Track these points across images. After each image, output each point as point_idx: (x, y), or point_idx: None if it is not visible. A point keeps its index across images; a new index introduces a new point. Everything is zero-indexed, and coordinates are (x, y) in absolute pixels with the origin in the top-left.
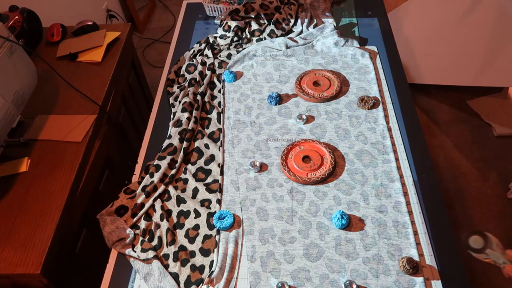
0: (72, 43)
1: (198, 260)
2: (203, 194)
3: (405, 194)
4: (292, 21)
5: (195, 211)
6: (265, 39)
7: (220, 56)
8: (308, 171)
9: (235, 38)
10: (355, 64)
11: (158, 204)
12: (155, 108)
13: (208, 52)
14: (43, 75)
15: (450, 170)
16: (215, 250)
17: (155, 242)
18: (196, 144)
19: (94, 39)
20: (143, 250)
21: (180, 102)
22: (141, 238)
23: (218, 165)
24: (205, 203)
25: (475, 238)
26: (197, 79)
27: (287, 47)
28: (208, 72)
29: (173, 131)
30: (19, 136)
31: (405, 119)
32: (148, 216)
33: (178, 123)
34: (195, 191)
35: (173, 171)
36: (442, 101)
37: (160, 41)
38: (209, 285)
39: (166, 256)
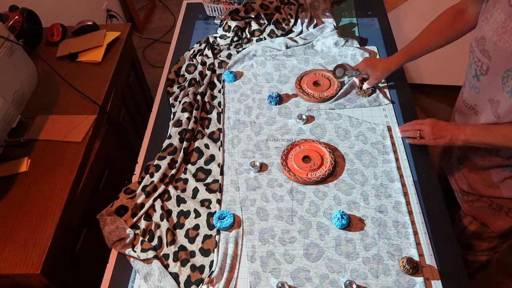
0: (72, 43)
1: (198, 260)
2: (203, 194)
3: (405, 194)
4: (292, 21)
5: (195, 211)
6: (265, 39)
7: (220, 56)
8: (308, 171)
9: (235, 38)
10: (355, 64)
11: (158, 204)
12: (155, 108)
13: (208, 52)
14: (43, 75)
15: None
16: (215, 250)
17: (155, 242)
18: (196, 144)
19: (94, 39)
20: (143, 250)
21: (180, 102)
22: (141, 238)
23: (218, 165)
24: (205, 203)
25: (338, 69)
26: (197, 79)
27: (287, 47)
28: (208, 72)
29: (173, 131)
30: (19, 136)
31: (405, 119)
32: (148, 216)
33: (178, 123)
34: (195, 191)
35: (173, 171)
36: (442, 101)
37: (160, 41)
38: (209, 285)
39: (166, 256)
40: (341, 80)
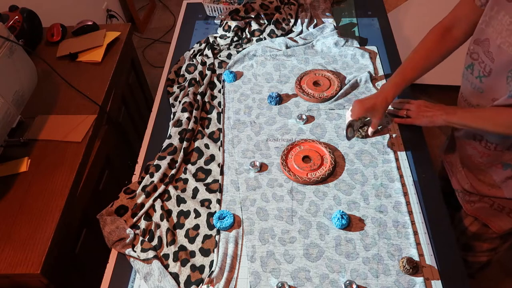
0: (72, 43)
1: (198, 260)
2: (203, 194)
3: (405, 194)
4: (292, 21)
5: (195, 211)
6: (265, 39)
7: (220, 56)
8: (308, 171)
9: (235, 38)
10: (355, 64)
11: (158, 204)
12: (155, 108)
13: (208, 52)
14: (43, 75)
15: None
16: (215, 250)
17: (155, 242)
18: (196, 144)
19: (94, 39)
20: (143, 250)
21: (180, 102)
22: (141, 238)
23: (218, 165)
24: (205, 203)
25: (349, 129)
26: (197, 79)
27: (287, 47)
28: (208, 72)
29: (173, 131)
30: (19, 136)
31: None
32: (148, 216)
33: (178, 123)
34: (195, 191)
35: (173, 171)
36: (442, 101)
37: (160, 41)
38: (209, 285)
39: (166, 256)
40: (353, 136)
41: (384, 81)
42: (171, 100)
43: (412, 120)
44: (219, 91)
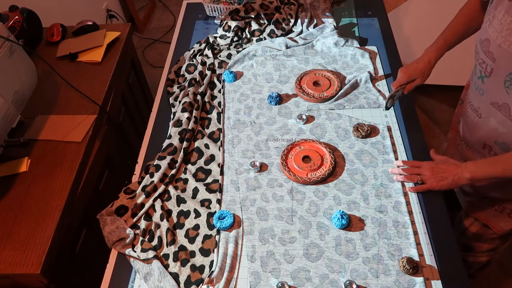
0: (72, 43)
1: (198, 260)
2: (203, 194)
3: (405, 194)
4: (292, 21)
5: (195, 211)
6: (265, 39)
7: (220, 56)
8: (308, 171)
9: (235, 38)
10: (355, 64)
11: (158, 204)
12: (155, 108)
13: (208, 52)
14: (43, 75)
15: None
16: (215, 250)
17: (155, 242)
18: (196, 144)
19: (94, 39)
20: (143, 250)
21: (180, 102)
22: (141, 238)
23: (218, 165)
24: (205, 203)
25: (389, 101)
26: (197, 79)
27: (287, 47)
28: (208, 72)
29: (173, 131)
30: (19, 136)
31: (405, 119)
32: (148, 216)
33: (178, 123)
34: (195, 191)
35: (173, 171)
36: (442, 101)
37: (160, 41)
38: (209, 285)
39: (166, 256)
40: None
41: (384, 81)
42: (171, 100)
43: (430, 186)
44: (219, 91)
